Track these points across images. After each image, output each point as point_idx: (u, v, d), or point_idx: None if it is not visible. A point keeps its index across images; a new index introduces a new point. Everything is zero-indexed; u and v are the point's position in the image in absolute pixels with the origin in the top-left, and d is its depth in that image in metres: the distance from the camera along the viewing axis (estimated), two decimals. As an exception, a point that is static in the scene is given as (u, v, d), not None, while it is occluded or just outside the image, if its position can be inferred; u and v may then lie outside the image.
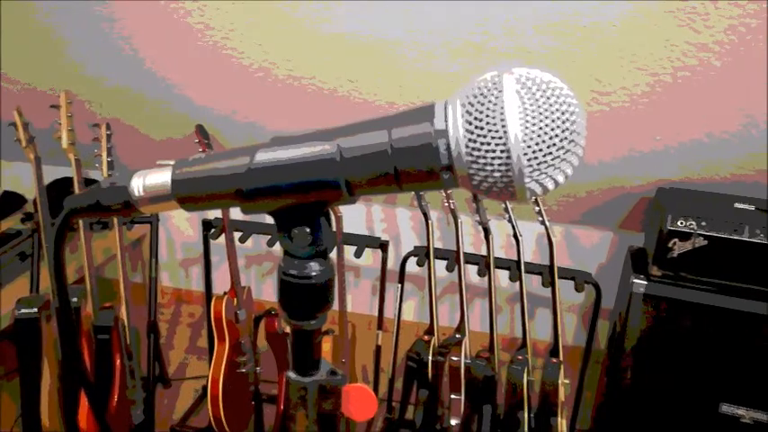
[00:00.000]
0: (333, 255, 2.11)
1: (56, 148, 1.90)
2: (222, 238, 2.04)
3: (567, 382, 1.88)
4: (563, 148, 0.45)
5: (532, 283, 2.22)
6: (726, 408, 1.81)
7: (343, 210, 2.01)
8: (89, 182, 2.10)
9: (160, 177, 0.56)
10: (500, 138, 0.44)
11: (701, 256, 1.72)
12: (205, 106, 2.17)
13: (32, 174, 1.90)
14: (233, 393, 2.02)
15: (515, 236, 1.89)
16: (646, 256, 1.87)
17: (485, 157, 0.45)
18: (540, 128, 0.44)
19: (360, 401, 0.57)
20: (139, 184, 0.57)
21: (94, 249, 1.98)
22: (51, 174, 2.21)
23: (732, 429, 1.81)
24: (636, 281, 1.79)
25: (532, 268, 1.98)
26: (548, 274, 1.91)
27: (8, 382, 2.34)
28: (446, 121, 0.46)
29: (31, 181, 1.91)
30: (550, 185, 0.46)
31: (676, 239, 1.73)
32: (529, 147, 0.44)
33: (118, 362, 1.97)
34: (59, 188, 2.32)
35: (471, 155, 0.45)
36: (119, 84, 2.18)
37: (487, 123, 0.45)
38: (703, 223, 1.70)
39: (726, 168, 1.88)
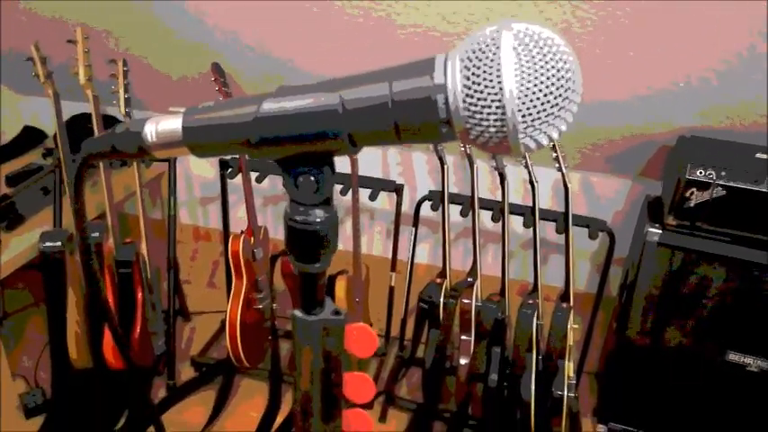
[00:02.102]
0: (348, 197, 2.12)
1: (74, 83, 1.91)
2: (239, 178, 2.06)
3: (576, 326, 1.90)
4: (557, 105, 0.46)
5: (548, 230, 2.22)
6: (733, 356, 1.84)
7: (360, 152, 2.01)
8: (107, 118, 2.12)
9: (172, 124, 0.57)
10: (496, 94, 0.45)
11: (718, 207, 1.71)
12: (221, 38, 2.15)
13: (51, 109, 1.92)
14: (250, 328, 2.09)
15: (531, 182, 1.88)
16: (662, 206, 1.86)
17: (481, 113, 0.46)
18: (535, 85, 0.45)
19: (361, 339, 0.61)
20: (152, 129, 0.58)
21: (114, 185, 2.02)
22: (70, 109, 2.23)
23: (738, 377, 1.84)
24: (650, 230, 1.79)
25: (547, 215, 1.97)
26: (562, 220, 1.91)
27: (37, 308, 2.45)
28: (445, 75, 0.47)
29: (51, 116, 1.93)
30: (544, 141, 0.47)
31: (694, 189, 1.71)
32: (523, 103, 0.45)
33: (140, 295, 2.04)
34: (79, 124, 2.34)
35: (468, 110, 0.46)
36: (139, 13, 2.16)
37: (484, 79, 0.45)
38: (722, 173, 1.68)
39: (749, 116, 1.83)
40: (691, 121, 1.92)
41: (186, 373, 2.26)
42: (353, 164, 2.00)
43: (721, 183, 1.68)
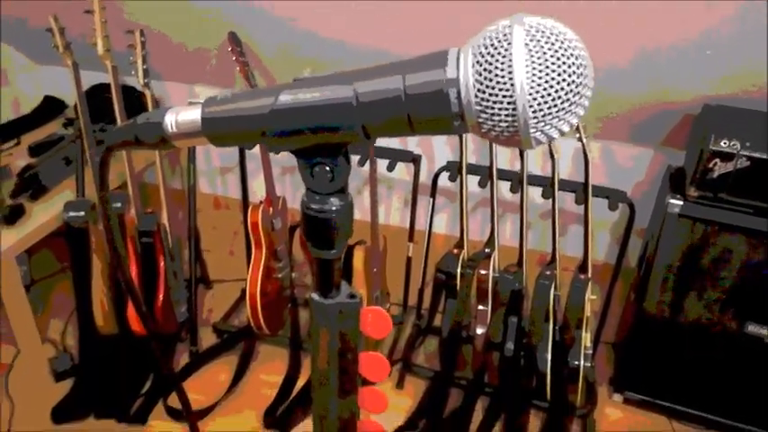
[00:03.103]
0: (365, 168, 2.11)
1: (92, 54, 1.91)
2: (257, 148, 2.06)
3: (593, 297, 1.91)
4: (568, 100, 0.46)
5: (567, 200, 2.20)
6: (751, 327, 1.83)
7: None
8: (126, 88, 2.13)
9: (191, 115, 0.59)
10: (507, 89, 0.45)
11: (741, 178, 1.67)
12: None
13: (70, 79, 1.93)
14: (270, 297, 2.13)
15: (551, 152, 1.86)
16: (684, 177, 1.83)
17: (492, 108, 0.46)
18: (546, 80, 0.45)
19: (376, 322, 0.62)
20: (172, 120, 0.59)
21: (134, 154, 2.04)
22: (89, 79, 2.24)
23: (755, 349, 1.84)
24: (671, 201, 1.76)
25: (566, 185, 1.96)
26: (581, 191, 1.89)
27: (64, 274, 2.52)
28: (458, 69, 0.47)
29: (70, 86, 1.94)
30: (555, 135, 0.48)
31: (717, 160, 1.67)
32: (534, 99, 0.45)
33: (162, 264, 2.08)
34: (98, 94, 2.35)
35: (480, 104, 0.47)
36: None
37: (496, 75, 0.45)
38: (747, 143, 1.64)
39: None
40: (716, 89, 1.88)
41: (208, 339, 2.32)
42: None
43: (746, 153, 1.65)
